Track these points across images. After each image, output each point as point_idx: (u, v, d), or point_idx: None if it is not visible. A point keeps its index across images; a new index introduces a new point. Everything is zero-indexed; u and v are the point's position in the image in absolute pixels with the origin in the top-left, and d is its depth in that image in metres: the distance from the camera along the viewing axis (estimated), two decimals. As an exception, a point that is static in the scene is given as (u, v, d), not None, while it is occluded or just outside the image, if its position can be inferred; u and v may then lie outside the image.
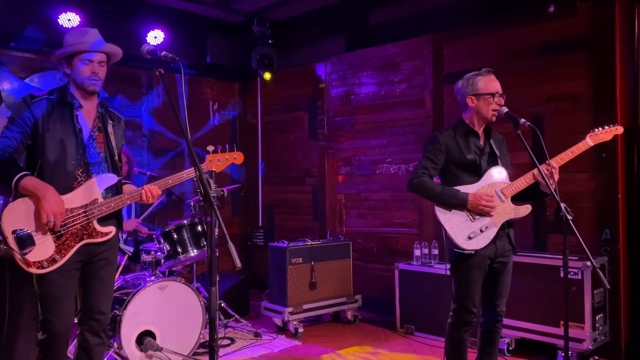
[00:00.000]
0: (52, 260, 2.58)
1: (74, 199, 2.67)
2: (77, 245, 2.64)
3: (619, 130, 3.13)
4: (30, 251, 2.54)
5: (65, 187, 2.66)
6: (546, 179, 2.88)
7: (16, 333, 3.33)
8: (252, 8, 6.32)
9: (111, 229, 2.76)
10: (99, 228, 2.71)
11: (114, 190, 2.83)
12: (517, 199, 3.09)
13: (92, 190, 2.71)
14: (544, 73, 4.64)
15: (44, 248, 2.57)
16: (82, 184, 2.70)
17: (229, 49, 6.64)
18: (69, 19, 5.26)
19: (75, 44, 2.74)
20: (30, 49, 5.41)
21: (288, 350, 4.54)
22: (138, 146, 6.28)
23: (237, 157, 3.03)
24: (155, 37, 5.88)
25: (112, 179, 2.79)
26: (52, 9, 5.25)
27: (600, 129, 3.11)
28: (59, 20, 5.25)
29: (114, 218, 2.84)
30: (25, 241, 2.53)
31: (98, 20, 5.46)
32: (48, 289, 2.62)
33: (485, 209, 2.99)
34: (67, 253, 2.61)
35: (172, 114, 6.45)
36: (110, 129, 2.84)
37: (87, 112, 2.80)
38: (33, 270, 2.55)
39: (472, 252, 2.99)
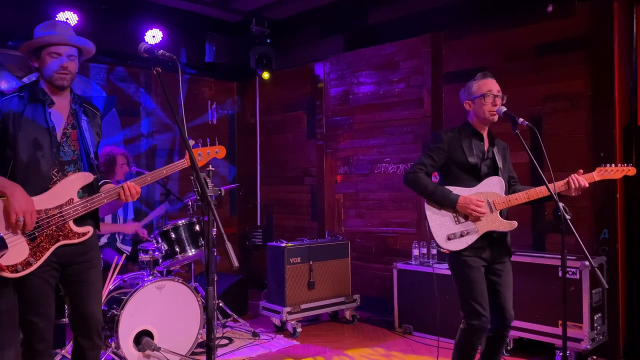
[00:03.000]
0: (27, 264, 2.47)
1: (48, 199, 2.55)
2: (53, 247, 2.54)
3: (632, 171, 3.07)
4: (2, 255, 2.43)
5: (40, 187, 2.54)
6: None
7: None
8: (250, 7, 6.30)
9: (88, 229, 2.65)
10: (75, 228, 2.60)
11: (91, 189, 2.70)
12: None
13: (67, 190, 2.59)
14: (542, 73, 4.64)
15: (17, 251, 2.46)
16: (57, 183, 2.58)
17: (227, 48, 6.63)
18: (66, 18, 5.24)
19: (43, 36, 2.60)
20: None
21: (286, 350, 4.54)
22: (136, 145, 6.27)
23: (219, 151, 2.96)
24: (153, 36, 5.86)
25: (87, 177, 2.66)
26: (50, 8, 5.23)
27: (611, 165, 3.07)
28: (56, 19, 5.24)
29: (90, 218, 2.71)
30: None
31: (96, 19, 5.46)
32: (26, 291, 2.55)
33: (473, 213, 3.00)
34: (42, 256, 2.51)
35: (170, 114, 6.44)
36: (84, 125, 2.70)
37: (60, 109, 2.66)
38: (7, 274, 2.44)
39: (447, 251, 3.07)
